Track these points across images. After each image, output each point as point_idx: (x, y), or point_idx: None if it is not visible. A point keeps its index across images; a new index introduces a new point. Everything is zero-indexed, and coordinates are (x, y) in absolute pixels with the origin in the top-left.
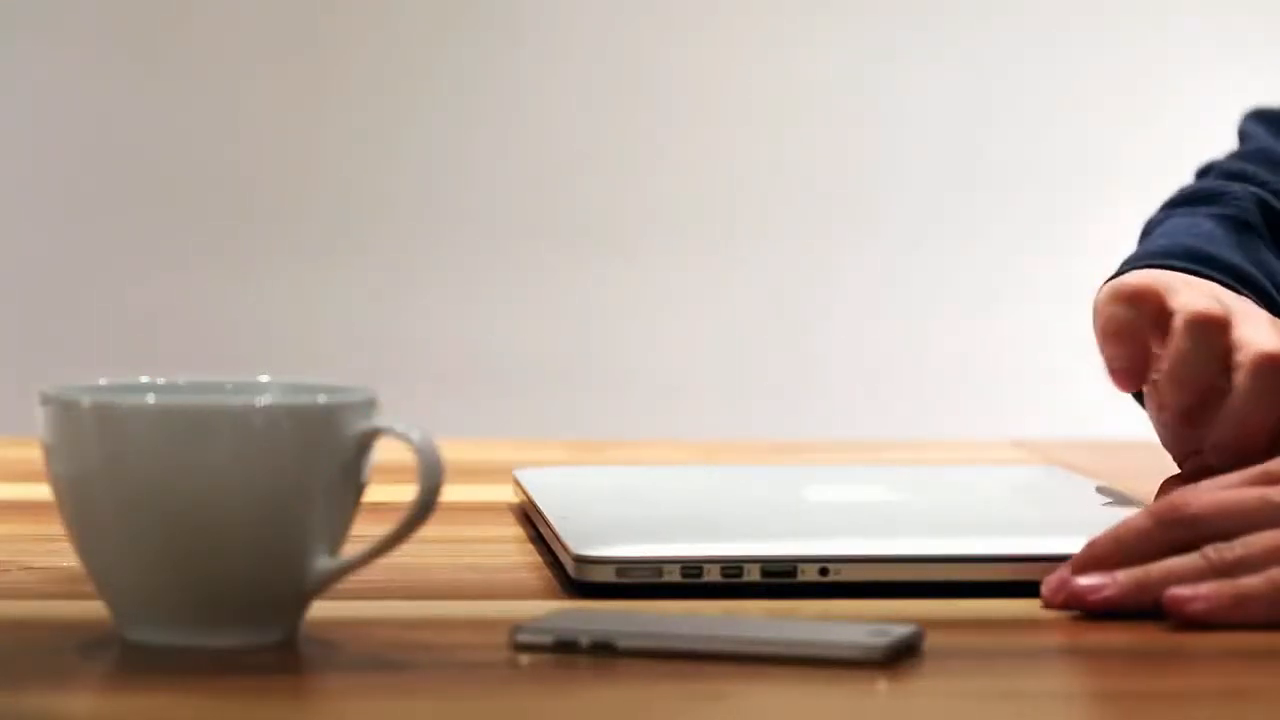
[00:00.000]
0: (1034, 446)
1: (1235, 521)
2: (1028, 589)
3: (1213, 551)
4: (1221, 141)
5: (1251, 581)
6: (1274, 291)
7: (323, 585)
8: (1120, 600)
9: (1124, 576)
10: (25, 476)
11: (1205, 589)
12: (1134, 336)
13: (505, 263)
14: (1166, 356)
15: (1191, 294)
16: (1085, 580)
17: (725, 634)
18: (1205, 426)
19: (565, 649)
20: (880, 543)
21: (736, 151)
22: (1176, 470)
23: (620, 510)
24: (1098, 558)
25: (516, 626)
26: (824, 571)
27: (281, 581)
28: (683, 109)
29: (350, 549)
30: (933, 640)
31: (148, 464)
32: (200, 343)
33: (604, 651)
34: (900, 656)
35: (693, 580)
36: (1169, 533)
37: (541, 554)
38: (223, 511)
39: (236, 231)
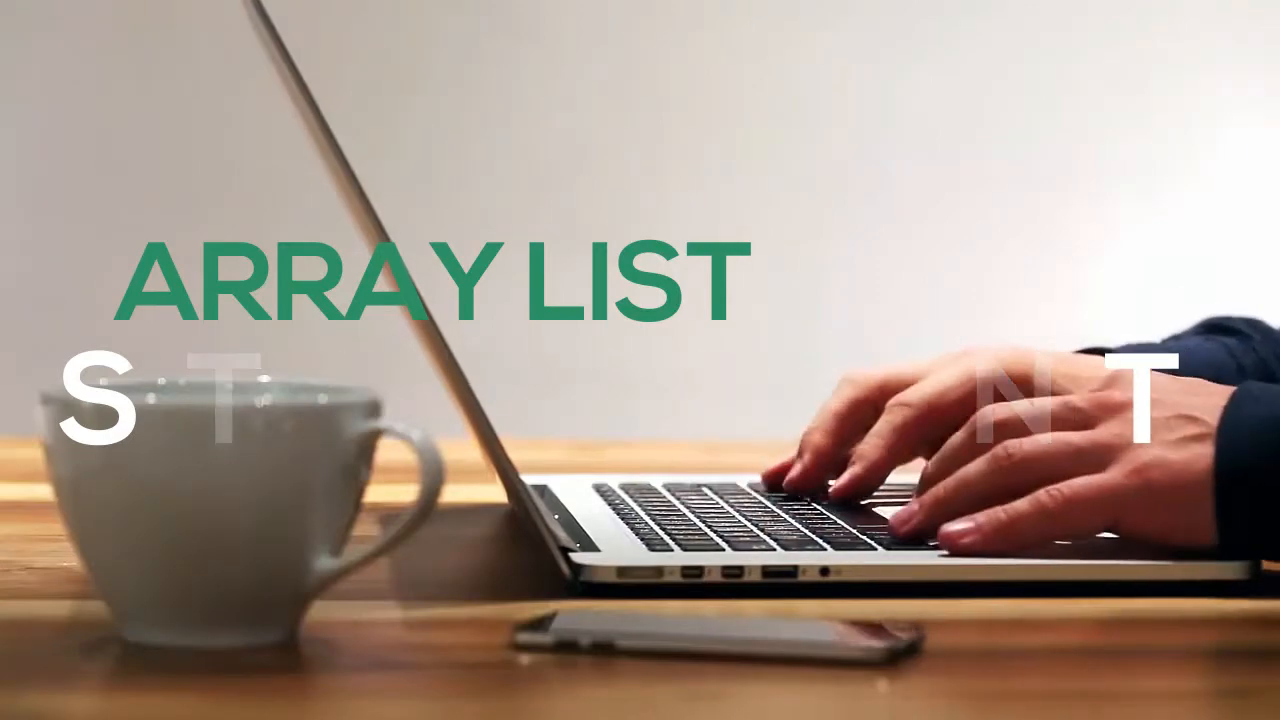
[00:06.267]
0: None
1: (1061, 463)
2: (1028, 589)
3: (1003, 452)
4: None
5: (1019, 507)
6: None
7: (323, 585)
8: (984, 546)
9: (984, 520)
10: (25, 476)
11: (980, 520)
12: None
13: (505, 263)
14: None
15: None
16: (954, 526)
17: (725, 634)
18: None
19: (565, 649)
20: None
21: (733, 152)
22: None
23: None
24: (945, 500)
25: (516, 626)
26: (824, 571)
27: (281, 581)
28: (681, 110)
29: (351, 549)
30: (933, 640)
31: (148, 464)
32: (200, 343)
33: (604, 651)
34: (900, 656)
35: (693, 580)
36: (1007, 478)
37: (541, 554)
38: (223, 511)
39: (237, 231)
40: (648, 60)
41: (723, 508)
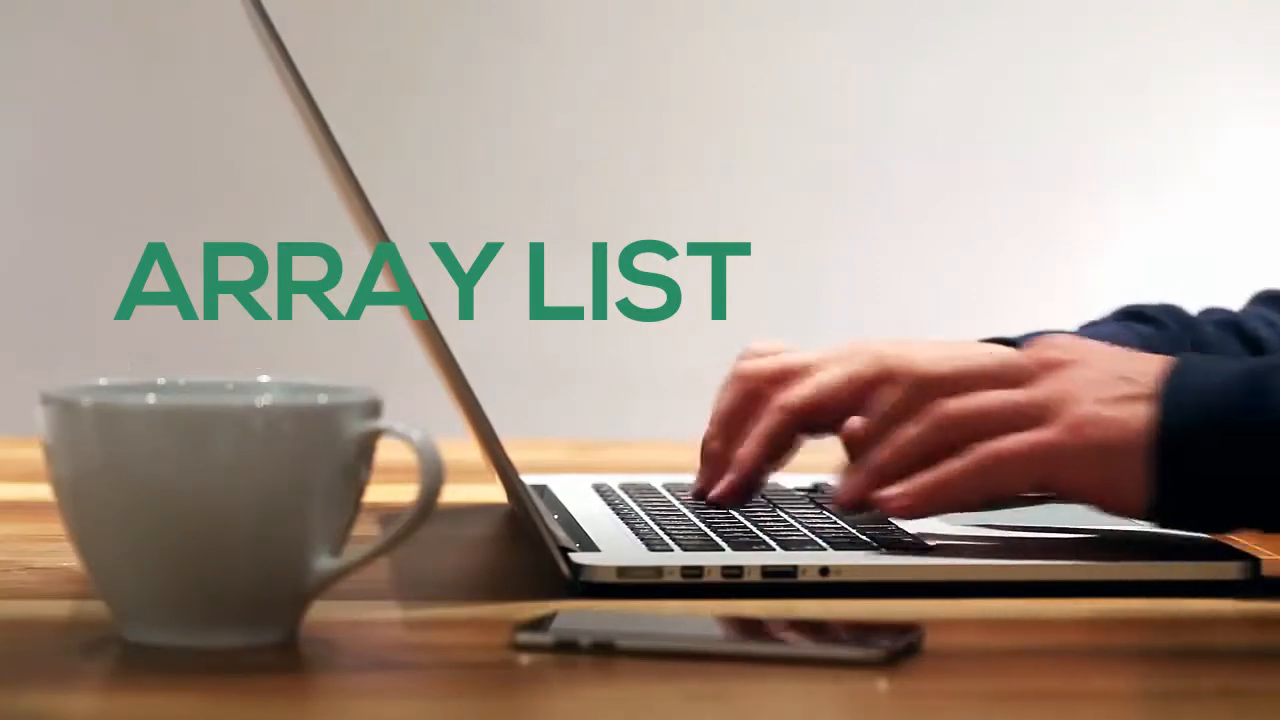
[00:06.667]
0: None
1: (997, 420)
2: (1028, 589)
3: (939, 411)
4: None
5: (952, 465)
6: None
7: (323, 585)
8: (917, 507)
9: (916, 482)
10: (25, 476)
11: (913, 483)
12: None
13: (505, 263)
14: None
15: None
16: (887, 491)
17: (725, 634)
18: None
19: (565, 649)
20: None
21: (733, 152)
22: None
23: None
24: (884, 464)
25: (516, 626)
26: (824, 571)
27: (281, 581)
28: (681, 110)
29: (351, 549)
30: (933, 640)
31: (148, 464)
32: (200, 343)
33: (604, 651)
34: (900, 656)
35: (693, 580)
36: (944, 435)
37: (541, 554)
38: (223, 512)
39: (237, 231)
40: (648, 60)
41: (722, 508)
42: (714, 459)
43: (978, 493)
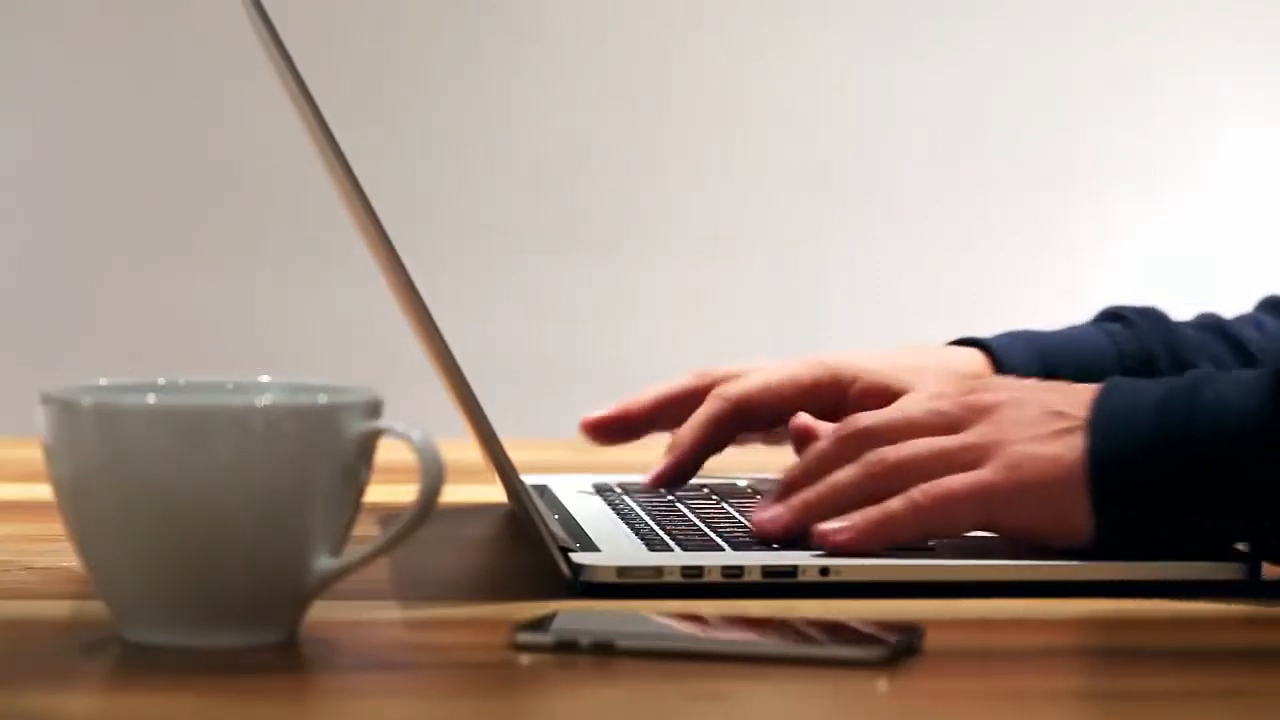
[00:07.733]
0: None
1: (932, 467)
2: (1028, 589)
3: (874, 457)
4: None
5: (893, 505)
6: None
7: (323, 585)
8: (858, 544)
9: (859, 518)
10: (25, 476)
11: (855, 519)
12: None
13: (505, 263)
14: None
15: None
16: (828, 525)
17: (725, 634)
18: None
19: (565, 649)
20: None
21: (733, 152)
22: None
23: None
24: (815, 505)
25: (516, 626)
26: (824, 571)
27: (281, 581)
28: (678, 110)
29: (351, 549)
30: (933, 640)
31: (148, 464)
32: (200, 343)
33: (604, 651)
34: (900, 657)
35: (693, 580)
36: (878, 483)
37: (541, 554)
38: (223, 512)
39: (237, 232)
40: (648, 60)
41: (723, 508)
42: (629, 424)
43: (919, 533)
